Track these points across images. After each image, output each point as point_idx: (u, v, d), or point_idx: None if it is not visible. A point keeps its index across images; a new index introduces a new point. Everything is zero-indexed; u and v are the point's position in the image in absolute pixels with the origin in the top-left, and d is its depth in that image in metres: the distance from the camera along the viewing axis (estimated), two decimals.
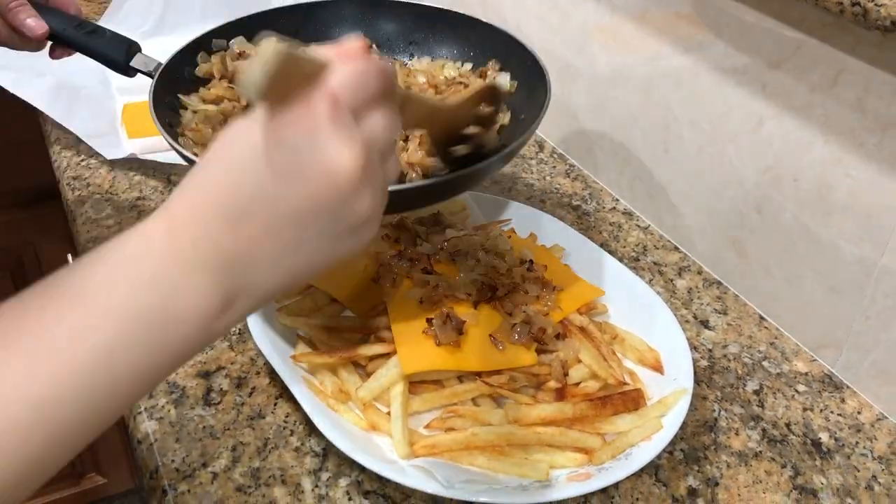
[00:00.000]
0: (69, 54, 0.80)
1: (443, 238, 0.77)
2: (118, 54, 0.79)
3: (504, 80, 0.85)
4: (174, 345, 0.40)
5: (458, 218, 0.85)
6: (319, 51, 0.42)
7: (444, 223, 0.81)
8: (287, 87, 0.40)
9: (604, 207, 0.97)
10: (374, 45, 0.92)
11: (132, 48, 0.80)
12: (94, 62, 1.11)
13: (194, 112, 0.81)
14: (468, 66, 0.89)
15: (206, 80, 0.85)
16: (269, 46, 0.38)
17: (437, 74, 0.89)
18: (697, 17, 0.80)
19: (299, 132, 0.40)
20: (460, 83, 0.86)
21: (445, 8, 0.91)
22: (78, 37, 0.78)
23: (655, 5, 0.84)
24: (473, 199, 0.88)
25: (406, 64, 0.92)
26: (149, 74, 0.79)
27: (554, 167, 1.04)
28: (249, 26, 0.88)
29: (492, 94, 0.68)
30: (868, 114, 0.66)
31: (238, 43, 0.87)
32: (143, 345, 0.38)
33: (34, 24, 0.74)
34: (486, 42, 0.88)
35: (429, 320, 0.67)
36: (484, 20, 0.88)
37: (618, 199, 0.98)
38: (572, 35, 0.99)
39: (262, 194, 0.40)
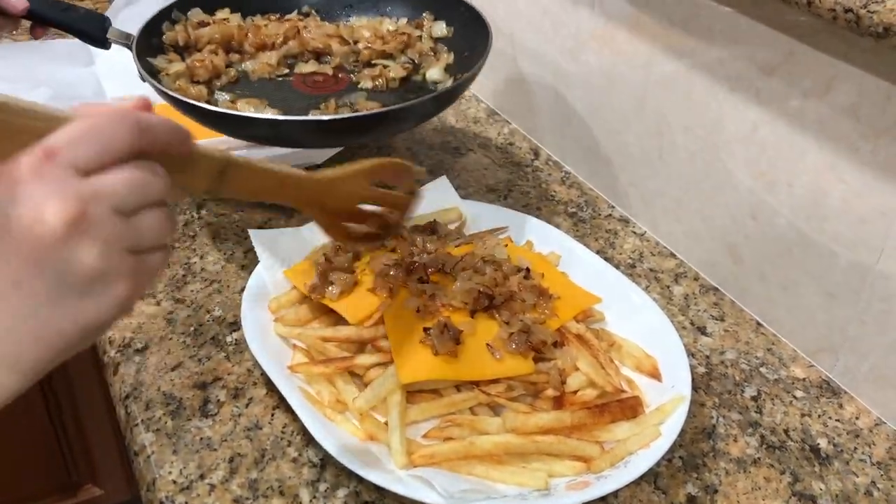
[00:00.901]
0: (46, 32, 0.85)
1: (441, 252, 0.77)
2: (95, 28, 0.85)
3: (440, 28, 0.97)
4: None
5: (454, 226, 0.85)
6: (63, 108, 0.40)
7: (440, 232, 0.81)
8: (5, 148, 0.37)
9: (599, 214, 0.97)
10: (313, 11, 1.01)
11: (105, 22, 0.86)
12: (87, 72, 1.11)
13: (167, 75, 0.87)
14: (404, 20, 0.99)
15: (174, 47, 0.92)
16: None
17: (380, 28, 0.98)
18: (691, 24, 0.80)
19: (2, 190, 0.37)
20: (404, 34, 0.95)
21: None
22: (56, 13, 0.83)
23: (649, 12, 0.85)
24: (469, 208, 0.88)
25: (348, 21, 1.01)
26: (125, 45, 0.85)
27: (549, 174, 1.04)
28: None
29: (396, 172, 0.65)
30: (862, 120, 0.66)
31: (194, 14, 0.94)
32: None
33: (15, 0, 0.78)
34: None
35: (426, 330, 0.67)
36: None
37: (613, 206, 0.98)
38: (566, 42, 0.99)
39: None
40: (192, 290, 0.81)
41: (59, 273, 0.38)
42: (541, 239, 0.84)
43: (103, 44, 0.85)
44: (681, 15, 0.81)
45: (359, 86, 0.90)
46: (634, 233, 0.94)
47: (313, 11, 1.01)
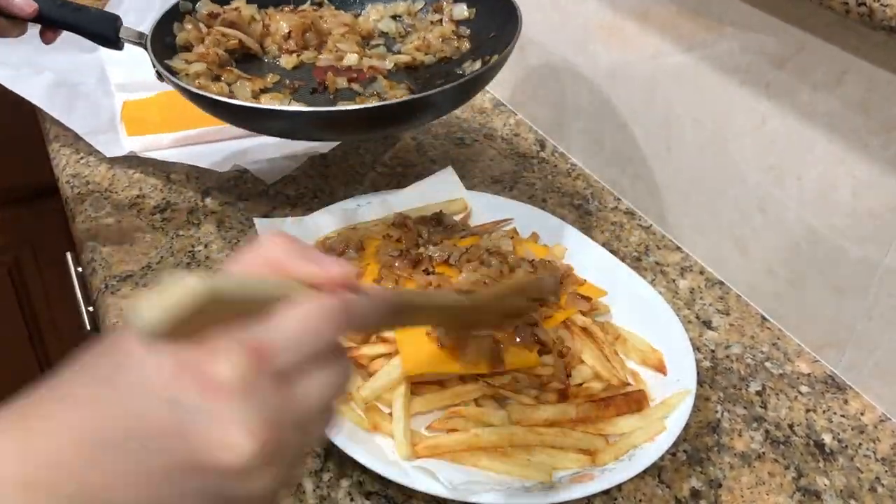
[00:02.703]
0: (57, 36, 0.81)
1: (447, 243, 0.76)
2: (107, 29, 0.81)
3: (461, 10, 0.92)
4: None
5: (459, 218, 0.85)
6: (289, 273, 0.35)
7: (446, 223, 0.81)
8: (210, 320, 0.32)
9: (606, 207, 0.96)
10: (326, 0, 0.96)
11: (117, 22, 0.82)
12: (91, 58, 1.10)
13: (187, 75, 0.84)
14: (420, 3, 0.95)
15: (187, 48, 0.88)
16: (182, 288, 0.30)
17: (394, 10, 0.95)
18: (700, 16, 0.80)
19: (197, 387, 0.32)
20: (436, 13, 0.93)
21: None
22: (66, 15, 0.79)
23: (658, 3, 0.84)
24: (475, 199, 0.87)
25: (359, 15, 0.95)
26: (140, 44, 0.82)
27: (555, 166, 1.03)
28: None
29: (543, 289, 0.66)
30: (872, 114, 0.66)
31: (204, 4, 0.90)
32: None
33: (23, 3, 0.74)
34: None
35: None
36: None
37: (619, 199, 0.98)
38: (574, 33, 0.98)
39: (140, 441, 0.32)
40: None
41: (222, 492, 0.33)
42: (546, 231, 0.84)
43: (116, 44, 0.82)
44: (690, 6, 0.80)
45: (389, 68, 0.86)
46: (640, 226, 0.94)
47: (326, 1, 0.97)
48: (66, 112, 0.98)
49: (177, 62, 0.84)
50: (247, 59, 0.88)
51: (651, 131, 0.90)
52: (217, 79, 0.84)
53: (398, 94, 0.81)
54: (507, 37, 0.82)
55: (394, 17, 0.95)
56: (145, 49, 0.81)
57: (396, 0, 0.96)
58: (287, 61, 0.88)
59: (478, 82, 0.82)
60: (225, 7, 0.91)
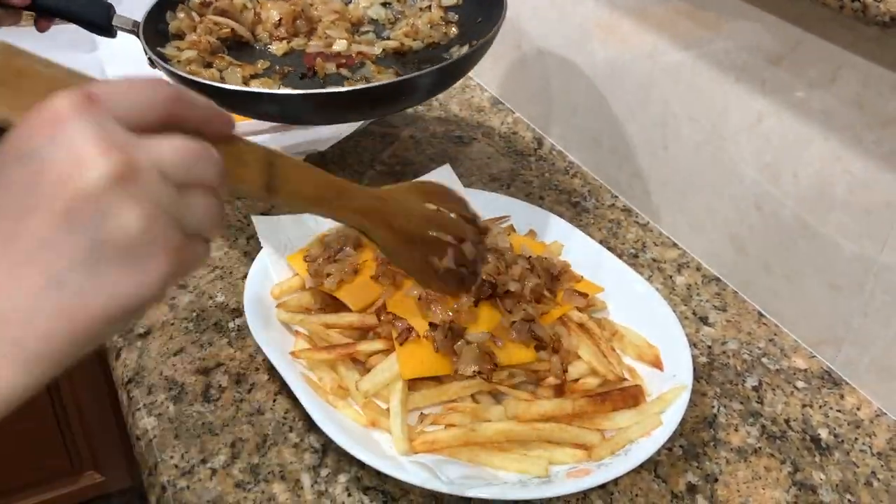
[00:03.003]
0: (51, 24, 0.82)
1: None
2: (99, 16, 0.82)
3: None
4: None
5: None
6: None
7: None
8: (28, 87, 0.34)
9: (603, 204, 0.97)
10: None
11: (110, 9, 0.83)
12: (90, 58, 1.11)
13: (179, 62, 0.85)
14: None
15: (179, 36, 0.89)
16: None
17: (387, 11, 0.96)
18: (697, 14, 0.80)
19: (36, 134, 0.32)
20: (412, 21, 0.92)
21: None
22: (58, 2, 0.80)
23: (655, 1, 0.84)
24: (473, 197, 0.87)
25: (349, 2, 0.96)
26: (132, 32, 0.83)
27: (553, 164, 1.04)
28: None
29: (442, 195, 0.61)
30: (867, 110, 0.66)
31: None
32: None
33: None
34: None
35: (432, 325, 0.66)
36: None
37: (616, 196, 0.98)
38: (571, 31, 0.98)
39: (3, 214, 0.32)
40: (194, 276, 0.81)
41: (96, 234, 0.32)
42: (544, 228, 0.84)
43: (109, 32, 0.84)
44: (687, 4, 0.81)
45: (377, 53, 0.88)
46: (637, 223, 0.94)
47: None
48: None
49: (169, 49, 0.86)
50: (238, 47, 0.90)
51: (648, 129, 0.91)
52: (209, 66, 0.85)
53: (386, 78, 0.83)
54: (493, 21, 0.84)
55: (383, 4, 0.97)
56: (137, 36, 0.83)
57: None
58: (278, 48, 0.90)
59: (463, 65, 0.83)
60: None
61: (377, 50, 0.89)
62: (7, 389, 0.33)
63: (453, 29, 0.92)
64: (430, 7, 0.94)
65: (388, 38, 0.92)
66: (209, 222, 0.37)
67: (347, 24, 0.93)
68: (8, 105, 0.34)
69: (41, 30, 0.82)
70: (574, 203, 0.96)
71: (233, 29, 0.90)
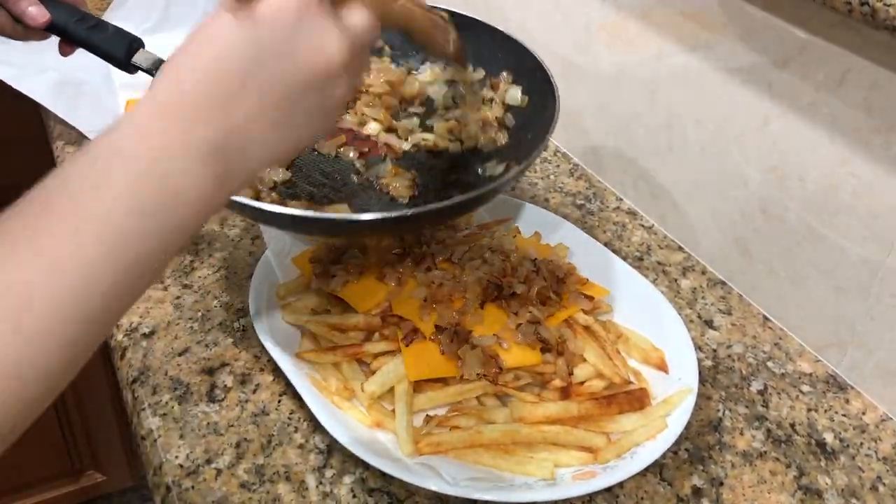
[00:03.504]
0: (74, 50, 0.78)
1: (451, 241, 0.76)
2: (118, 50, 0.76)
3: (515, 94, 0.81)
4: (173, 228, 0.41)
5: (462, 216, 0.85)
6: None
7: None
8: None
9: (608, 207, 0.97)
10: (387, 47, 0.89)
11: (134, 44, 0.77)
12: (95, 57, 1.11)
13: None
14: (480, 73, 0.84)
15: None
16: None
17: (452, 74, 0.85)
18: (703, 16, 0.80)
19: (282, 18, 0.43)
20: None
21: (469, 15, 0.82)
22: (78, 30, 0.76)
23: (660, 4, 0.84)
24: None
25: (416, 71, 0.87)
26: (149, 72, 0.76)
27: (558, 166, 1.04)
28: None
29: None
30: (874, 114, 0.66)
31: None
32: (145, 234, 0.39)
33: (36, 12, 0.72)
34: (499, 51, 0.83)
35: (438, 327, 0.66)
36: (513, 36, 0.82)
37: (622, 199, 0.98)
38: (576, 33, 0.98)
39: (255, 75, 0.42)
40: (199, 276, 0.81)
41: (322, 97, 0.45)
42: (549, 230, 0.84)
43: (127, 68, 0.77)
44: (693, 7, 0.80)
45: (404, 148, 0.81)
46: (642, 226, 0.94)
47: (387, 48, 0.88)
48: (71, 110, 0.99)
49: None
50: None
51: (653, 132, 0.90)
52: None
53: (398, 185, 0.77)
54: (536, 143, 0.71)
55: (448, 83, 0.86)
56: (151, 76, 0.75)
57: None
58: None
59: (486, 197, 0.68)
60: None
61: (407, 146, 0.81)
62: (228, 195, 0.44)
63: (503, 137, 0.80)
64: (492, 101, 0.83)
65: (431, 129, 0.83)
66: (366, 70, 0.53)
67: (395, 100, 0.84)
68: None
69: (64, 54, 0.78)
70: (579, 205, 0.96)
71: None
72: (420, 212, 0.65)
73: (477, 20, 0.83)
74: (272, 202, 0.72)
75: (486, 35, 0.84)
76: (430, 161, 0.81)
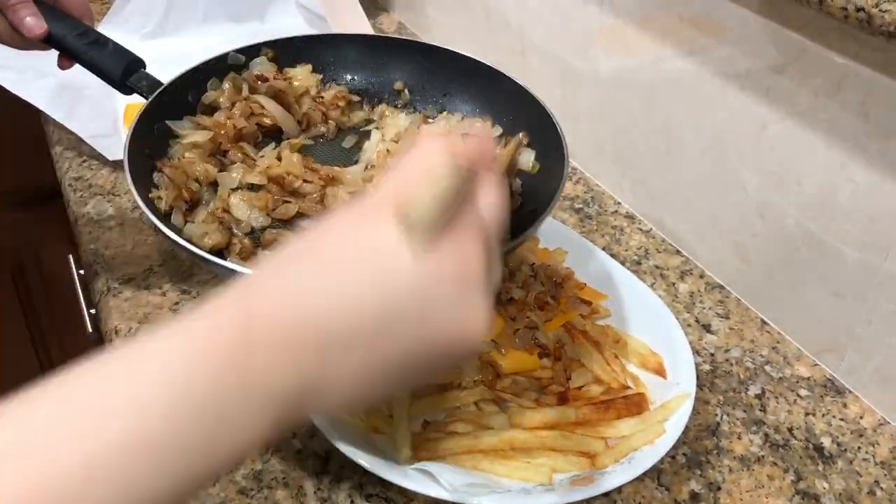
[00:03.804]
0: (73, 64, 0.76)
1: None
2: (114, 69, 0.73)
3: (528, 158, 0.74)
4: (216, 458, 0.33)
5: None
6: (458, 154, 0.37)
7: None
8: (447, 210, 0.36)
9: (606, 211, 0.97)
10: (407, 90, 0.85)
11: (133, 65, 0.75)
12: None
13: (182, 144, 0.73)
14: (498, 130, 0.79)
15: (213, 109, 0.78)
16: (444, 175, 0.34)
17: (466, 126, 0.81)
18: (701, 22, 0.80)
19: (452, 279, 0.35)
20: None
21: (493, 66, 0.80)
22: (76, 44, 0.73)
23: (659, 9, 0.85)
24: None
25: (432, 120, 0.83)
26: (143, 96, 0.74)
27: None
28: (274, 48, 0.82)
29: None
30: (871, 119, 0.66)
31: (260, 64, 0.81)
32: (183, 465, 0.31)
33: (33, 23, 0.71)
34: (518, 110, 0.78)
35: None
36: (532, 92, 0.78)
37: (619, 203, 0.98)
38: (575, 38, 0.99)
39: (384, 333, 0.34)
40: (197, 281, 0.81)
41: (450, 361, 0.40)
42: (547, 234, 0.84)
43: (123, 89, 0.75)
44: (691, 12, 0.81)
45: None
46: (640, 230, 0.94)
47: (406, 90, 0.85)
48: (69, 115, 0.99)
49: (182, 125, 0.75)
50: (276, 135, 0.79)
51: (651, 136, 0.91)
52: (217, 154, 0.74)
53: None
54: (527, 222, 0.64)
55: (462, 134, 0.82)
56: (145, 99, 0.73)
57: (474, 116, 0.82)
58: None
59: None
60: (284, 71, 0.81)
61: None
62: (280, 436, 0.37)
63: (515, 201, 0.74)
64: None
65: None
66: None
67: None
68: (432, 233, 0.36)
69: (62, 67, 0.76)
70: (577, 209, 0.97)
71: (275, 121, 0.78)
72: None
73: (502, 73, 0.80)
74: (242, 249, 0.67)
75: (507, 90, 0.79)
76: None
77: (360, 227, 0.36)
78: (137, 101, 1.05)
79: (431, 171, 0.34)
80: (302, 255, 0.36)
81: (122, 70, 0.74)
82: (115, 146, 0.97)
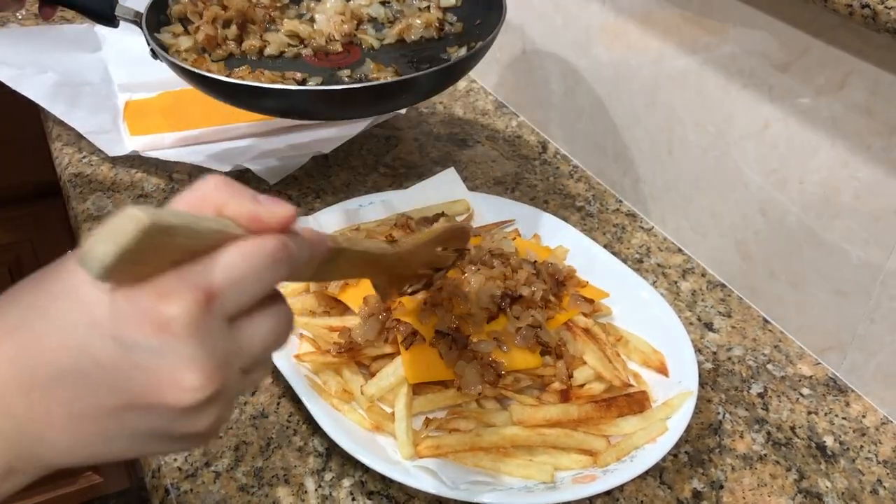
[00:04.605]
0: (55, 11, 0.82)
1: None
2: (102, 6, 0.83)
3: None
4: None
5: (461, 219, 0.85)
6: (228, 213, 0.34)
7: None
8: (154, 259, 0.32)
9: (607, 209, 0.97)
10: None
11: (112, 0, 0.83)
12: (94, 58, 1.10)
13: (177, 51, 0.85)
14: None
15: (181, 20, 0.90)
16: (128, 220, 0.29)
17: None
18: (703, 19, 0.80)
19: (148, 327, 0.32)
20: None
21: None
22: None
23: (661, 6, 0.84)
24: (477, 200, 0.87)
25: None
26: (134, 21, 0.83)
27: (557, 168, 1.04)
28: None
29: (458, 236, 0.64)
30: (875, 116, 0.66)
31: None
32: None
33: None
34: None
35: (438, 332, 0.66)
36: None
37: (621, 201, 0.98)
38: (577, 36, 0.98)
39: (82, 378, 0.33)
40: None
41: (164, 429, 0.35)
42: (548, 232, 0.84)
43: (111, 21, 0.84)
44: (693, 9, 0.80)
45: (383, 42, 0.92)
46: (642, 228, 0.94)
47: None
48: (69, 111, 0.98)
49: (165, 36, 0.86)
50: (244, 25, 0.91)
51: (653, 134, 0.90)
52: (206, 51, 0.86)
53: (386, 77, 0.83)
54: (493, 23, 0.84)
55: (382, 3, 0.97)
56: (140, 26, 0.83)
57: None
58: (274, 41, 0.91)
59: (462, 66, 0.84)
60: None
61: (376, 44, 0.92)
62: (18, 484, 0.36)
63: (459, 26, 0.93)
64: (428, 7, 0.95)
65: (385, 39, 0.93)
66: (269, 363, 0.39)
67: (354, 22, 0.94)
68: (129, 277, 0.32)
69: (45, 17, 0.82)
70: (578, 207, 0.96)
71: (240, 11, 0.90)
72: (412, 77, 0.78)
73: None
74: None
75: None
76: (401, 55, 0.90)
77: (55, 270, 0.35)
78: (137, 98, 1.05)
79: (124, 216, 0.30)
80: (8, 298, 0.36)
81: (108, 6, 0.83)
82: (115, 142, 0.97)
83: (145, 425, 0.34)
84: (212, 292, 0.33)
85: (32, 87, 0.98)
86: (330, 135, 1.00)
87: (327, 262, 0.42)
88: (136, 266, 0.31)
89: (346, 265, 0.46)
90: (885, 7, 0.58)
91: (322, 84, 0.83)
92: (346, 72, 0.86)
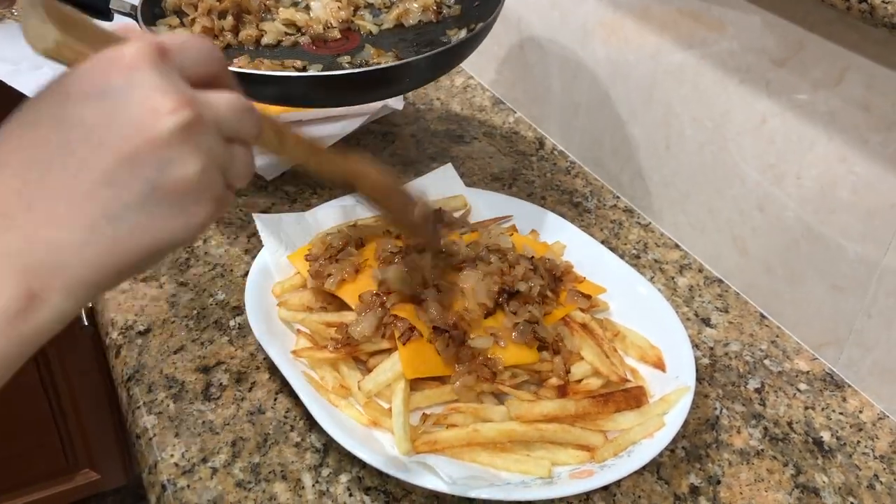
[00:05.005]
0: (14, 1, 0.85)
1: (445, 239, 0.76)
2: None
3: None
4: None
5: (459, 214, 0.84)
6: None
7: (446, 220, 0.81)
8: (88, 38, 0.36)
9: (605, 205, 0.96)
10: None
11: None
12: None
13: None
14: None
15: (176, 12, 0.91)
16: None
17: None
18: (700, 14, 0.80)
19: (111, 75, 0.34)
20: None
21: None
22: None
23: (658, 1, 0.84)
24: (475, 196, 0.87)
25: None
26: (129, 15, 0.83)
27: (554, 164, 1.03)
28: None
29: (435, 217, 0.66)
30: (873, 111, 0.66)
31: None
32: None
33: None
34: None
35: (435, 329, 0.66)
36: None
37: (618, 197, 0.98)
38: (574, 31, 0.98)
39: (62, 158, 0.34)
40: (195, 274, 0.81)
41: (157, 178, 0.35)
42: (546, 228, 0.84)
43: (106, 15, 0.84)
44: (690, 5, 0.80)
45: (381, 27, 0.92)
46: (639, 223, 0.94)
47: None
48: None
49: (160, 29, 0.87)
50: (240, 16, 0.92)
51: (650, 130, 0.90)
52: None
53: (386, 61, 0.84)
54: (491, 6, 0.85)
55: None
56: (135, 19, 0.83)
57: None
58: (271, 29, 0.91)
59: (462, 50, 0.84)
60: None
61: (375, 30, 0.92)
62: (52, 312, 0.35)
63: (456, 8, 0.93)
64: None
65: (383, 24, 0.94)
66: (244, 173, 0.40)
67: (351, 9, 0.94)
68: (79, 46, 0.36)
69: (4, 6, 0.85)
70: (576, 203, 0.96)
71: (236, 2, 0.90)
72: (414, 60, 0.77)
73: None
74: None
75: None
76: (400, 39, 0.91)
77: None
78: None
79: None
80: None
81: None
82: None
83: (138, 182, 0.35)
84: (162, 45, 0.36)
85: (28, 83, 0.98)
86: (327, 131, 1.00)
87: (278, 129, 0.45)
88: (79, 34, 0.35)
89: (296, 146, 0.50)
90: (883, 2, 0.58)
91: (323, 71, 0.83)
92: (347, 58, 0.87)
